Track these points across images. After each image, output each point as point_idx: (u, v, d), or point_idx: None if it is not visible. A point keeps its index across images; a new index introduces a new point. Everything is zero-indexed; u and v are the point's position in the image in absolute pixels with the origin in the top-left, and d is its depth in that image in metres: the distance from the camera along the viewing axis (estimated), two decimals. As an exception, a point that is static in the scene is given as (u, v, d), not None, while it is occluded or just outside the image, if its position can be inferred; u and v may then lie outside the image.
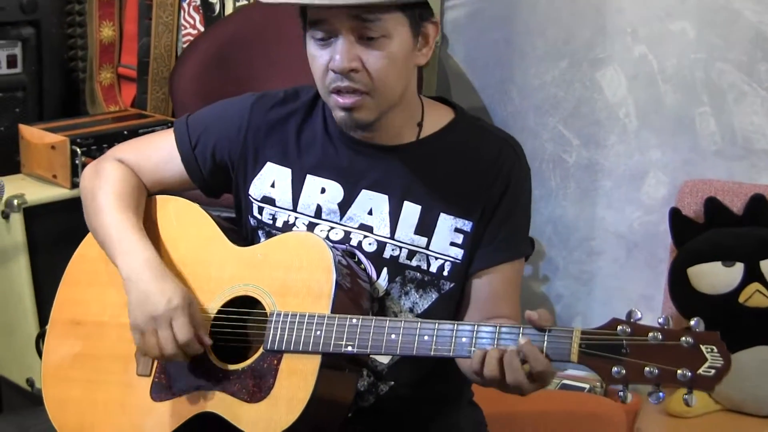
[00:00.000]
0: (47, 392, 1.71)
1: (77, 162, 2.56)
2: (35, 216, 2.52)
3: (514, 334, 1.42)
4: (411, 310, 1.64)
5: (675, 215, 2.54)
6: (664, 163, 2.75)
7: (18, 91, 2.84)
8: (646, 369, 1.33)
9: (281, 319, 1.54)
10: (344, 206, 1.65)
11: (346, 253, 1.62)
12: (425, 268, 1.63)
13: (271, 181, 1.70)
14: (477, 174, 1.64)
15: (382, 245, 1.64)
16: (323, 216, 1.66)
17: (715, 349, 1.32)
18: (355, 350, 1.50)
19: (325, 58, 1.54)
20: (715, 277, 2.41)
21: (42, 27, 2.88)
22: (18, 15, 2.79)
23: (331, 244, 1.58)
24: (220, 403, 1.55)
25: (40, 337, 1.93)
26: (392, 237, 1.63)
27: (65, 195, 2.58)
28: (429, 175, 1.64)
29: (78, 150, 2.56)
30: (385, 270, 1.64)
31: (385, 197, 1.64)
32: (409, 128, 1.65)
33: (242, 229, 1.76)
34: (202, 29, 2.97)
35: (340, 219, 1.66)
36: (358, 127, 1.60)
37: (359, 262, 1.64)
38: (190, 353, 1.57)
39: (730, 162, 2.66)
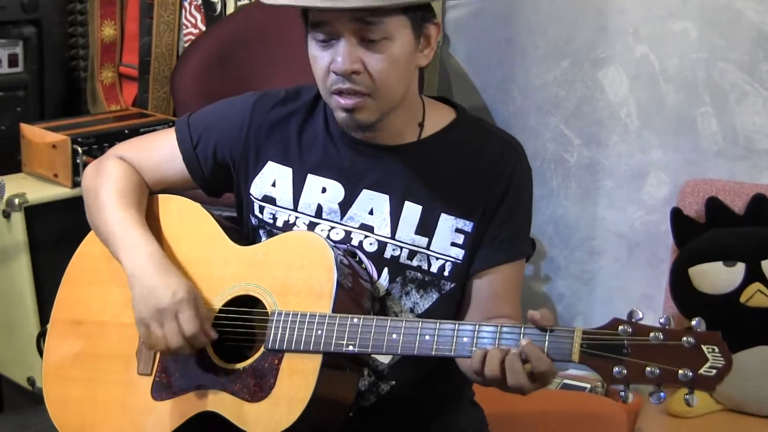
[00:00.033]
0: (48, 391, 1.71)
1: (78, 161, 2.56)
2: (36, 215, 2.52)
3: (516, 333, 1.42)
4: (411, 310, 1.64)
5: (676, 215, 2.54)
6: (665, 163, 2.75)
7: (19, 90, 2.84)
8: (648, 369, 1.33)
9: (282, 318, 1.54)
10: (345, 206, 1.65)
11: (347, 253, 1.62)
12: (426, 268, 1.63)
13: (272, 180, 1.70)
14: (478, 174, 1.64)
15: (382, 245, 1.63)
16: (324, 216, 1.66)
17: (717, 349, 1.32)
18: (356, 350, 1.50)
19: (326, 60, 1.53)
20: (717, 277, 2.41)
21: (43, 26, 2.88)
22: (19, 14, 2.79)
23: (332, 243, 1.58)
24: (221, 403, 1.55)
25: (41, 336, 1.93)
26: (393, 237, 1.63)
27: (66, 194, 2.58)
28: (430, 175, 1.64)
29: (79, 149, 2.56)
30: (385, 270, 1.64)
31: (386, 197, 1.64)
32: (411, 128, 1.65)
33: (243, 228, 1.76)
34: (203, 28, 2.97)
35: (341, 219, 1.65)
36: (359, 128, 1.60)
37: (360, 262, 1.63)
38: (196, 346, 1.57)
39: (732, 162, 2.66)
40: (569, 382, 2.79)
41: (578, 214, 2.92)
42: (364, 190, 1.65)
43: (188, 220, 1.72)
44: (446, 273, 1.63)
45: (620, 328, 1.35)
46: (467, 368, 1.49)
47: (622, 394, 1.36)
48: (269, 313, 1.56)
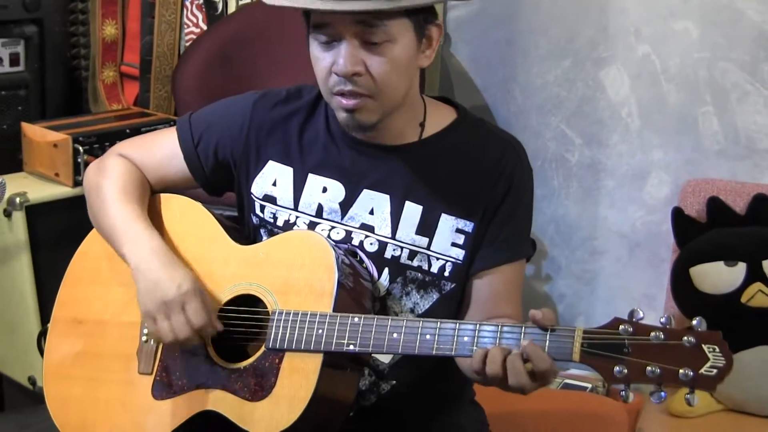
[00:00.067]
0: (49, 390, 1.71)
1: (79, 160, 2.56)
2: (37, 214, 2.52)
3: (516, 333, 1.42)
4: (412, 311, 1.64)
5: (677, 215, 2.54)
6: (666, 163, 2.75)
7: (21, 89, 2.84)
8: (648, 368, 1.33)
9: (283, 317, 1.54)
10: (345, 206, 1.65)
11: (348, 252, 1.62)
12: (426, 268, 1.63)
13: (272, 179, 1.70)
14: (479, 174, 1.64)
15: (383, 245, 1.63)
16: (324, 215, 1.66)
17: (717, 349, 1.32)
18: (356, 349, 1.50)
19: (328, 61, 1.53)
20: (718, 276, 2.40)
21: (45, 25, 2.87)
22: (21, 13, 2.79)
23: (333, 243, 1.58)
24: (222, 402, 1.55)
25: (42, 335, 1.94)
26: (393, 237, 1.63)
27: (67, 193, 2.58)
28: (431, 175, 1.64)
29: (80, 148, 2.56)
30: (386, 270, 1.64)
31: (387, 197, 1.64)
32: (412, 128, 1.65)
33: (244, 227, 1.76)
34: (204, 27, 2.96)
35: (342, 218, 1.65)
36: (360, 128, 1.60)
37: (361, 261, 1.63)
38: (205, 336, 1.57)
39: (733, 161, 2.65)
40: (570, 382, 2.79)
41: (579, 214, 2.92)
42: (365, 190, 1.65)
43: (190, 219, 1.72)
44: (447, 273, 1.63)
45: (621, 327, 1.35)
46: (468, 368, 1.49)
47: (623, 393, 1.36)
48: (270, 313, 1.56)
